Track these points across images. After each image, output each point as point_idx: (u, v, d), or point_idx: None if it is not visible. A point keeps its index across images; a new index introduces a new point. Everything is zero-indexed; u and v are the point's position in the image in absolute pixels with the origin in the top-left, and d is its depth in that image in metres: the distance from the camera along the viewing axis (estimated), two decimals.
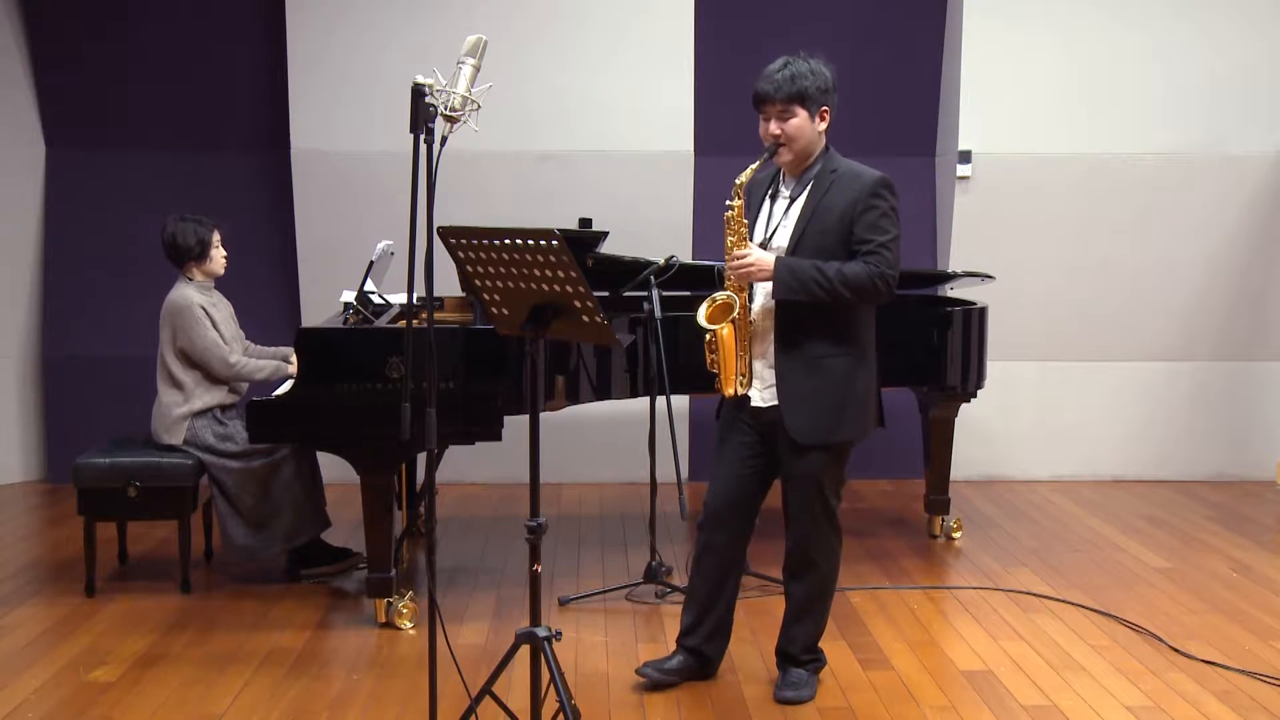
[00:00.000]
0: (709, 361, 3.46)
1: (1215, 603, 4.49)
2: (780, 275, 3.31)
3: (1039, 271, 6.29)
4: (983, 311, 5.15)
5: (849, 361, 3.42)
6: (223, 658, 3.91)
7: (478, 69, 3.05)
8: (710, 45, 6.22)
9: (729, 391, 3.44)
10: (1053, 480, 6.47)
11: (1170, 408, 6.50)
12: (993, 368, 5.36)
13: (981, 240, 6.21)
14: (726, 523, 3.60)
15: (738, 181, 3.38)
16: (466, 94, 3.00)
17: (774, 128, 3.39)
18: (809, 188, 3.44)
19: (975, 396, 5.25)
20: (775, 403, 3.44)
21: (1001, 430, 6.46)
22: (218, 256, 4.66)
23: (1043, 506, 5.96)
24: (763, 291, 3.42)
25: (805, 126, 3.39)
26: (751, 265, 3.34)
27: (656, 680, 3.66)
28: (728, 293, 3.42)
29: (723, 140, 6.11)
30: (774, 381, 3.43)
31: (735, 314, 3.39)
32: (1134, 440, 6.51)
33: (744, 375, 3.47)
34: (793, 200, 3.46)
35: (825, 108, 3.41)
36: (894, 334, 5.00)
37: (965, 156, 6.18)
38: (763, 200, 3.54)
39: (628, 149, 6.18)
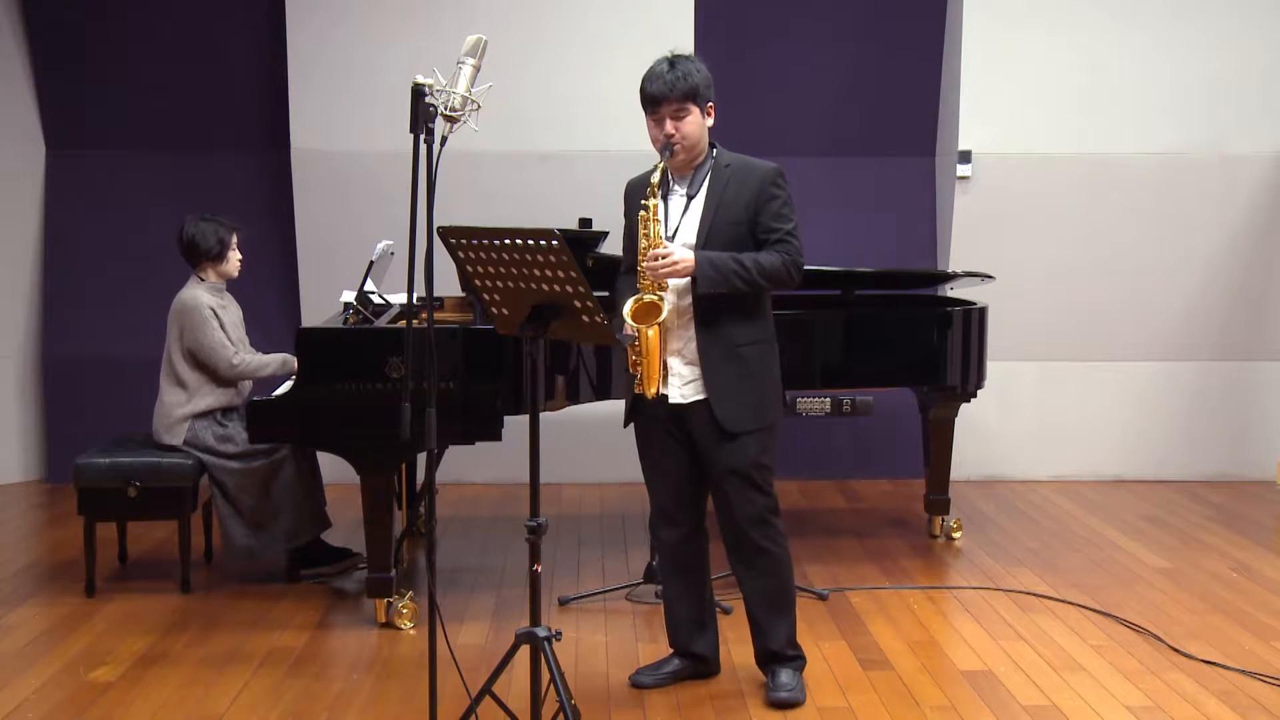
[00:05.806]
0: (631, 363, 3.41)
1: (1215, 603, 4.49)
2: (703, 269, 3.33)
3: (1039, 271, 6.29)
4: (983, 311, 5.15)
5: (764, 348, 3.50)
6: (223, 658, 3.92)
7: (478, 69, 3.05)
8: (710, 45, 6.21)
9: (651, 391, 3.41)
10: (1053, 480, 6.47)
11: (1170, 408, 6.50)
12: (993, 368, 5.35)
13: (981, 240, 6.21)
14: (675, 518, 3.61)
15: (652, 181, 3.36)
16: (466, 94, 3.01)
17: (669, 128, 3.38)
18: (706, 183, 3.46)
19: (975, 396, 5.25)
20: (697, 398, 3.44)
21: (1001, 430, 6.46)
22: (234, 259, 4.66)
23: (1043, 506, 5.96)
24: (673, 289, 3.40)
25: (698, 124, 3.41)
26: (676, 263, 3.32)
27: (651, 686, 3.66)
28: (653, 294, 3.35)
29: (722, 140, 6.03)
30: (694, 377, 3.44)
31: (664, 315, 3.34)
32: (1134, 440, 6.50)
33: (660, 375, 3.44)
34: (690, 197, 3.47)
35: (711, 104, 3.45)
36: (894, 334, 5.03)
37: (965, 156, 6.18)
38: (647, 201, 3.39)
39: (628, 149, 6.15)
